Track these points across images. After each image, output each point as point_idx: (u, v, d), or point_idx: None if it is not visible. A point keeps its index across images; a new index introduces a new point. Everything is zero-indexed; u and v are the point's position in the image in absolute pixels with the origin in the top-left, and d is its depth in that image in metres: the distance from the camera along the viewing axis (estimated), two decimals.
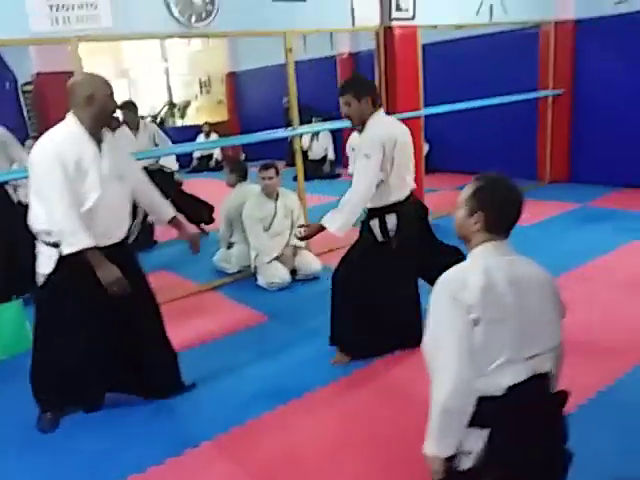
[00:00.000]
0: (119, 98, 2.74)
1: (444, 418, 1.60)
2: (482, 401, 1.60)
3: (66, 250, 2.36)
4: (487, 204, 1.71)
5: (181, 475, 2.35)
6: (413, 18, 5.17)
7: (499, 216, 1.72)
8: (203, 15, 4.03)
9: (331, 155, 9.05)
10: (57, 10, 3.37)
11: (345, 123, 3.20)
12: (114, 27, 3.67)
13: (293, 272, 4.43)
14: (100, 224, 2.46)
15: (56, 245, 2.43)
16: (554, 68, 6.52)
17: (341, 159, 9.07)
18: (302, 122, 8.54)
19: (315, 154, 9.04)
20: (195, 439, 2.54)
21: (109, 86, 2.47)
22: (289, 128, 4.77)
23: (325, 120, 7.88)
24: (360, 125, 2.92)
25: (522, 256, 1.76)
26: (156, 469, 2.38)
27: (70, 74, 3.56)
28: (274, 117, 8.83)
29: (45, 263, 2.52)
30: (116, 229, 2.59)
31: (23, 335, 3.39)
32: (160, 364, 2.81)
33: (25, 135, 7.77)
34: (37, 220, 2.48)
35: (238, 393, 2.91)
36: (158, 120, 11.84)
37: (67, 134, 2.40)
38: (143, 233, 5.24)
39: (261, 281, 4.32)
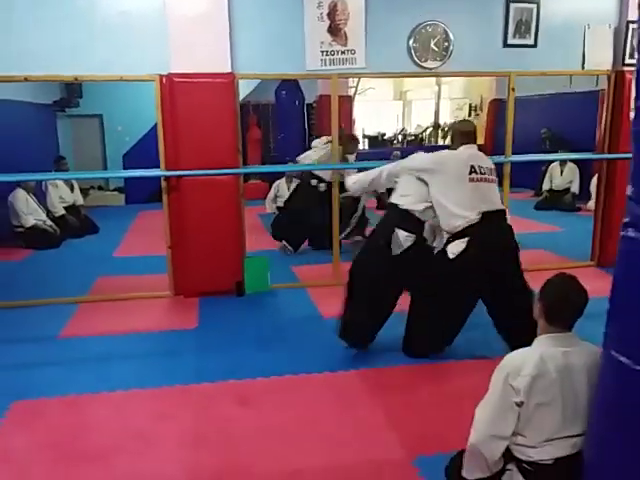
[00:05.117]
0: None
1: (470, 457, 2.01)
2: (538, 466, 1.93)
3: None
4: (546, 297, 2.00)
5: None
6: None
7: (554, 309, 1.96)
8: (438, 58, 4.96)
9: (574, 188, 9.08)
10: (326, 55, 4.70)
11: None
12: (367, 67, 4.83)
13: None
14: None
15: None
16: None
17: (585, 193, 9.02)
18: (551, 152, 8.79)
19: (558, 185, 9.19)
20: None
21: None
22: (502, 156, 5.39)
23: (571, 152, 8.05)
24: None
25: (585, 345, 1.99)
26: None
27: (342, 97, 4.86)
28: (528, 145, 9.07)
29: (456, 245, 3.28)
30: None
31: (264, 280, 4.82)
32: None
33: (302, 136, 10.24)
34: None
35: None
36: (419, 139, 13.10)
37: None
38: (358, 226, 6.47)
39: None
